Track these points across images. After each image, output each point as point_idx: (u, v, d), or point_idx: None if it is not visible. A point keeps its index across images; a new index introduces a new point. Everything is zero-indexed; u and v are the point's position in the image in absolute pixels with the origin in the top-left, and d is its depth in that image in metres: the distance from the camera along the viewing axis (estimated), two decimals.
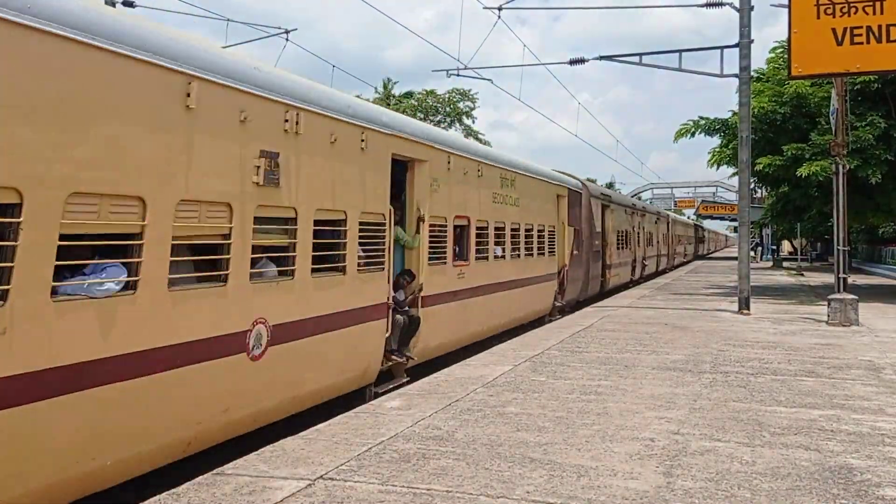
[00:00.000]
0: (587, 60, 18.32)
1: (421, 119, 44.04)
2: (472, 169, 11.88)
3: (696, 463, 4.98)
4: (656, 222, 35.93)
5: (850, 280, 14.76)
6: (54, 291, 4.72)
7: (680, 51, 16.94)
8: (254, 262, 6.56)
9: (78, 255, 4.93)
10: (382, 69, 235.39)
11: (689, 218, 67.52)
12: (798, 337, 11.75)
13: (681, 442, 5.50)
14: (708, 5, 16.49)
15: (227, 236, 6.15)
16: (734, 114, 19.12)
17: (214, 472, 4.81)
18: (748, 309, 15.34)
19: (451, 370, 8.65)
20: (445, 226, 10.76)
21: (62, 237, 4.70)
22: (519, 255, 14.30)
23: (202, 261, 6.09)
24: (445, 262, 10.75)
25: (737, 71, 15.79)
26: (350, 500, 4.23)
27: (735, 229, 29.26)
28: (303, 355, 7.21)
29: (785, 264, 44.70)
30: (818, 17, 12.68)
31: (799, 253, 51.73)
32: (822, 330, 12.77)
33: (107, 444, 5.09)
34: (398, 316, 9.26)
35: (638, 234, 29.69)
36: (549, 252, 16.48)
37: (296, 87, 7.25)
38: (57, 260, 4.68)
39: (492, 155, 13.70)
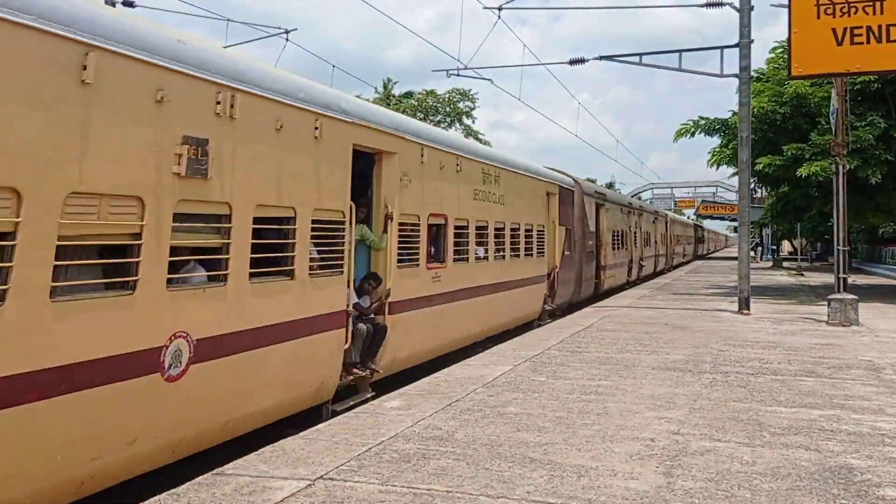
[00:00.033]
0: (587, 60, 18.33)
1: (421, 119, 44.03)
2: (450, 163, 10.99)
3: (696, 463, 4.98)
4: (654, 222, 35.21)
5: (850, 280, 14.75)
6: None
7: (680, 51, 16.96)
8: (178, 266, 5.80)
9: None
10: (382, 69, 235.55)
11: (689, 218, 67.50)
12: (798, 337, 11.75)
13: (681, 442, 5.50)
14: (708, 5, 16.49)
15: (137, 236, 5.26)
16: (734, 114, 19.13)
17: (214, 472, 4.81)
18: (748, 309, 15.34)
19: (451, 370, 8.65)
20: (418, 225, 9.88)
21: None
22: (504, 257, 13.49)
23: (104, 265, 5.19)
24: (418, 265, 9.88)
25: (737, 71, 15.79)
26: (350, 501, 4.23)
27: (735, 229, 29.26)
28: (238, 373, 6.31)
29: (785, 264, 44.69)
30: (818, 17, 12.69)
31: (799, 253, 51.73)
32: (822, 330, 12.77)
33: None
34: (361, 325, 8.47)
35: (635, 233, 29.00)
36: (538, 253, 15.67)
37: (231, 64, 6.32)
38: None
39: (472, 148, 12.86)
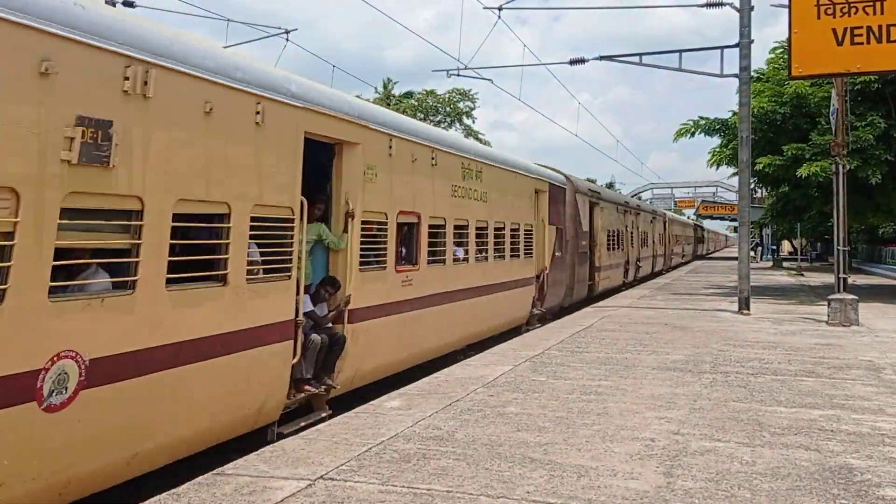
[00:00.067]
0: (587, 60, 18.33)
1: (421, 119, 44.03)
2: (424, 156, 10.07)
3: (696, 463, 4.98)
4: (652, 221, 34.43)
5: (850, 280, 14.76)
6: None
7: (680, 51, 16.97)
8: (75, 272, 5.03)
9: None
10: (382, 69, 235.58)
11: (689, 218, 67.49)
12: (798, 337, 11.76)
13: (681, 442, 5.50)
14: (708, 5, 16.50)
15: (9, 235, 4.40)
16: (734, 114, 19.14)
17: (215, 472, 4.81)
18: (748, 309, 15.34)
19: (451, 370, 8.66)
20: (386, 223, 8.97)
21: None
22: (486, 258, 12.55)
23: None
24: (385, 268, 8.98)
25: (737, 71, 15.80)
26: (350, 501, 4.23)
27: (735, 229, 29.24)
28: (149, 397, 5.37)
29: (785, 264, 44.69)
30: (818, 18, 12.69)
31: (799, 253, 51.70)
32: (822, 330, 12.77)
33: None
34: (315, 336, 7.60)
35: (631, 233, 28.24)
36: (526, 254, 14.74)
37: (146, 34, 5.42)
38: None
39: (449, 141, 11.77)
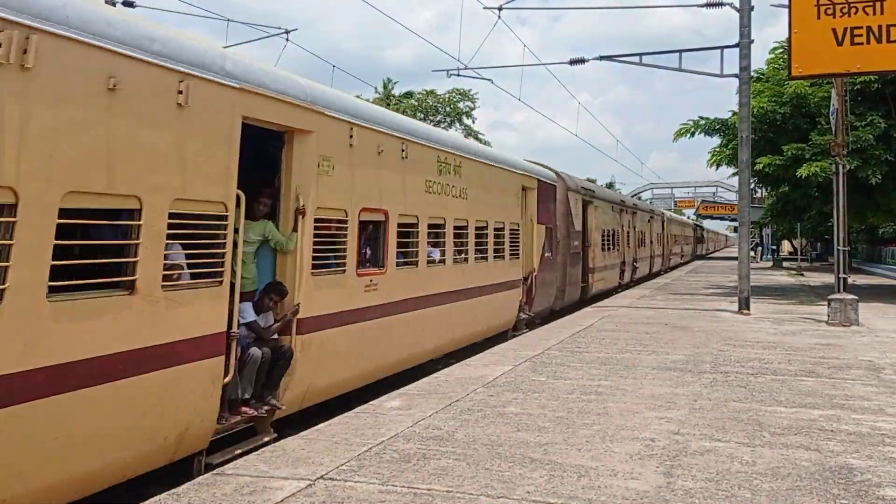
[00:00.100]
0: (587, 60, 18.34)
1: (421, 119, 44.01)
2: (392, 147, 9.17)
3: (696, 463, 4.98)
4: (649, 221, 33.62)
5: (850, 280, 14.77)
6: None
7: (680, 51, 16.98)
8: None
9: None
10: (382, 69, 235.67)
11: (688, 218, 67.49)
12: (798, 337, 11.76)
13: (681, 442, 5.50)
14: (708, 5, 16.51)
15: None
16: (734, 114, 19.15)
17: (215, 472, 4.82)
18: (748, 309, 15.34)
19: (451, 370, 8.66)
20: (345, 221, 8.08)
21: None
22: (466, 260, 11.67)
23: None
24: (343, 271, 8.06)
25: (737, 71, 15.80)
26: (350, 500, 4.23)
27: (735, 229, 29.23)
28: (22, 430, 4.46)
29: (785, 264, 44.71)
30: (818, 18, 12.70)
31: (799, 253, 51.72)
32: (822, 330, 12.77)
33: None
34: (255, 350, 6.71)
35: (628, 233, 27.38)
36: (512, 255, 13.85)
37: None
38: None
39: (422, 132, 10.71)
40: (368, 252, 8.89)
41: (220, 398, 6.23)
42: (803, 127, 19.74)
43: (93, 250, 5.16)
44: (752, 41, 15.58)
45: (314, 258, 7.49)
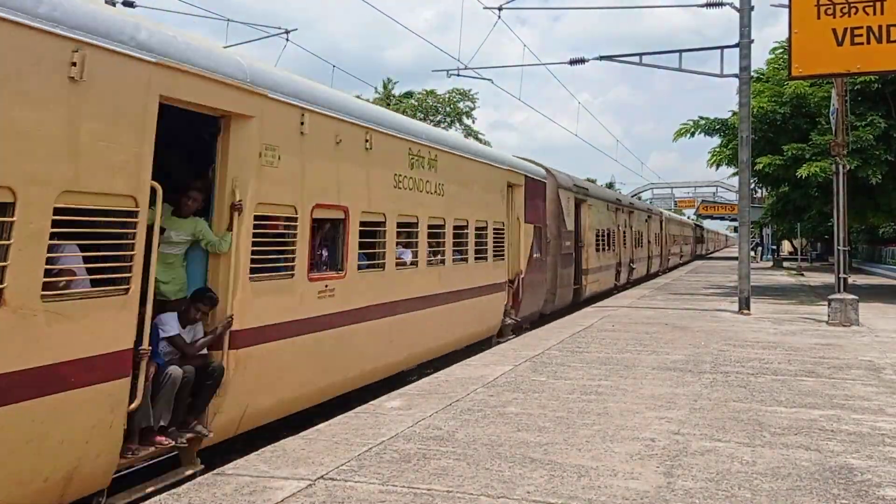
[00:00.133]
0: (587, 60, 18.34)
1: (421, 119, 43.99)
2: (353, 137, 8.30)
3: (696, 463, 4.98)
4: (647, 220, 32.82)
5: (850, 280, 14.77)
6: None
7: (680, 51, 16.98)
8: None
9: None
10: (382, 69, 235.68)
11: (688, 218, 67.49)
12: (798, 337, 11.76)
13: (681, 442, 5.50)
14: (708, 5, 16.51)
15: None
16: (734, 114, 19.15)
17: (215, 472, 4.82)
18: (748, 309, 15.34)
19: (451, 370, 8.66)
20: (294, 219, 7.20)
21: None
22: (443, 262, 10.81)
23: None
24: (292, 276, 7.16)
25: (737, 71, 15.80)
26: (351, 501, 4.24)
27: (735, 229, 29.22)
28: None
29: (785, 264, 44.73)
30: (818, 18, 12.71)
31: (799, 253, 51.76)
32: (823, 330, 12.77)
33: None
34: (174, 369, 5.78)
35: (624, 233, 26.57)
36: (496, 256, 13.02)
37: None
38: None
39: (390, 120, 9.70)
40: (324, 254, 7.99)
41: (123, 428, 5.30)
42: (803, 127, 19.74)
43: None
44: (752, 41, 15.59)
45: (254, 261, 6.59)
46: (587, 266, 20.56)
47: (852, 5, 12.51)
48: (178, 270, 6.23)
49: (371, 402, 6.95)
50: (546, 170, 17.10)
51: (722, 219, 70.55)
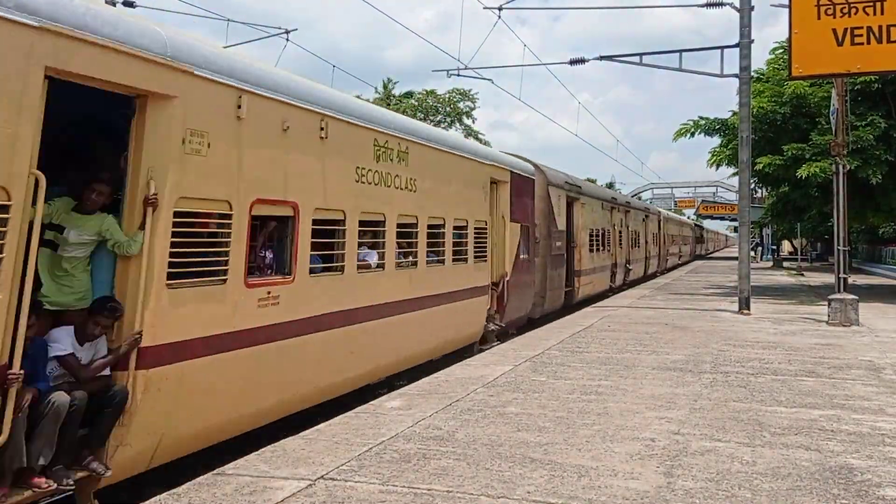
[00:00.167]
0: (587, 60, 18.35)
1: (421, 119, 44.00)
2: (305, 124, 7.38)
3: (696, 463, 4.99)
4: (644, 220, 31.91)
5: (850, 280, 14.77)
6: None
7: (680, 51, 17.00)
8: None
9: None
10: (382, 69, 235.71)
11: (688, 218, 67.49)
12: (798, 337, 11.76)
13: (681, 442, 5.50)
14: (708, 5, 16.52)
15: None
16: (734, 114, 19.17)
17: (215, 472, 4.82)
18: (748, 309, 15.35)
19: (451, 370, 8.66)
20: (228, 216, 6.27)
21: None
22: (415, 264, 9.87)
23: None
24: (223, 281, 6.19)
25: (737, 71, 15.81)
26: (351, 501, 4.24)
27: (735, 229, 29.21)
28: None
29: (785, 264, 44.74)
30: (819, 18, 12.72)
31: (799, 253, 51.77)
32: (823, 330, 12.78)
33: None
34: (58, 396, 4.84)
35: (620, 233, 25.81)
36: (477, 257, 12.06)
37: None
38: None
39: (351, 107, 8.65)
40: (268, 256, 7.07)
41: None
42: (803, 127, 19.76)
43: None
44: (752, 41, 15.59)
45: (173, 265, 5.66)
46: (580, 267, 19.88)
47: (852, 5, 12.52)
48: (78, 277, 5.35)
49: (371, 402, 6.95)
50: (535, 165, 16.27)
51: (722, 219, 70.58)
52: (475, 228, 12.02)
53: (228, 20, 17.24)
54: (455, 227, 11.24)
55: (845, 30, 12.55)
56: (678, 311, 15.85)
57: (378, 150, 8.91)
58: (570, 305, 18.33)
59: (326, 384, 7.85)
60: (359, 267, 8.45)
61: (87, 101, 5.29)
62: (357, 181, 8.41)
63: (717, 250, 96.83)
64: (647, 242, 32.58)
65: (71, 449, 5.03)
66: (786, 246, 65.39)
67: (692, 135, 22.03)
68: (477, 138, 49.32)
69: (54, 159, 4.99)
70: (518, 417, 6.22)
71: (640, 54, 17.32)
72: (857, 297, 13.71)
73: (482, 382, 7.74)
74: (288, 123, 7.08)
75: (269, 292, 6.79)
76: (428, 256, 10.29)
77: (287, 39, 16.96)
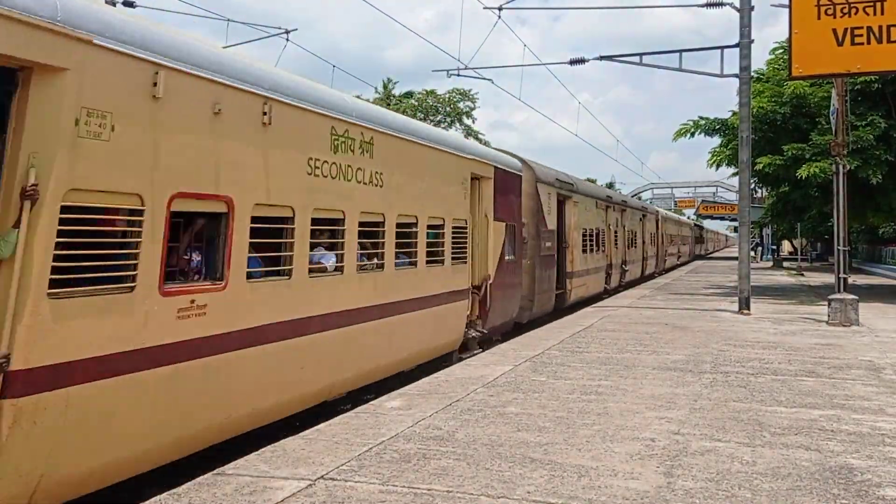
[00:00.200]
0: (587, 60, 18.35)
1: (421, 119, 43.99)
2: (243, 107, 6.49)
3: (696, 463, 4.99)
4: (641, 219, 31.18)
5: (850, 280, 14.78)
6: None
7: (680, 51, 17.00)
8: None
9: None
10: (383, 69, 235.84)
11: (688, 218, 67.49)
12: (798, 337, 11.76)
13: (681, 442, 5.50)
14: (708, 5, 16.52)
15: None
16: (734, 114, 19.17)
17: (215, 472, 4.81)
18: (748, 309, 15.35)
19: (451, 370, 8.66)
20: (140, 212, 5.38)
21: None
22: (381, 266, 8.97)
23: None
24: (131, 289, 5.28)
25: (737, 71, 15.81)
26: (351, 501, 4.24)
27: (735, 229, 29.20)
28: None
29: (785, 264, 44.75)
30: (819, 18, 12.72)
31: (799, 253, 51.77)
32: (823, 330, 12.78)
33: None
34: None
35: (615, 232, 25.06)
36: (456, 259, 11.13)
37: None
38: None
39: (303, 89, 7.64)
40: (195, 258, 6.18)
41: None
42: (803, 127, 19.77)
43: None
44: (752, 41, 15.60)
45: (58, 269, 4.76)
46: (572, 269, 19.01)
47: (852, 5, 12.53)
48: None
49: (371, 402, 6.95)
50: (522, 161, 15.36)
51: (722, 219, 70.62)
52: (453, 227, 11.11)
53: (228, 20, 17.23)
54: (430, 227, 10.33)
55: (845, 30, 12.56)
56: (678, 311, 15.85)
57: (336, 139, 7.98)
58: (562, 309, 17.62)
59: (269, 405, 6.93)
60: (312, 271, 7.53)
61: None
62: (310, 174, 7.48)
63: (717, 250, 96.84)
64: (644, 242, 31.77)
65: None
66: (786, 246, 65.41)
67: (692, 135, 22.05)
68: (477, 138, 49.33)
69: None
70: (518, 417, 6.22)
71: (640, 54, 17.33)
72: (857, 297, 13.71)
73: (482, 382, 7.74)
74: (220, 106, 6.14)
75: (192, 301, 5.86)
76: (397, 258, 9.38)
77: (287, 39, 16.95)
